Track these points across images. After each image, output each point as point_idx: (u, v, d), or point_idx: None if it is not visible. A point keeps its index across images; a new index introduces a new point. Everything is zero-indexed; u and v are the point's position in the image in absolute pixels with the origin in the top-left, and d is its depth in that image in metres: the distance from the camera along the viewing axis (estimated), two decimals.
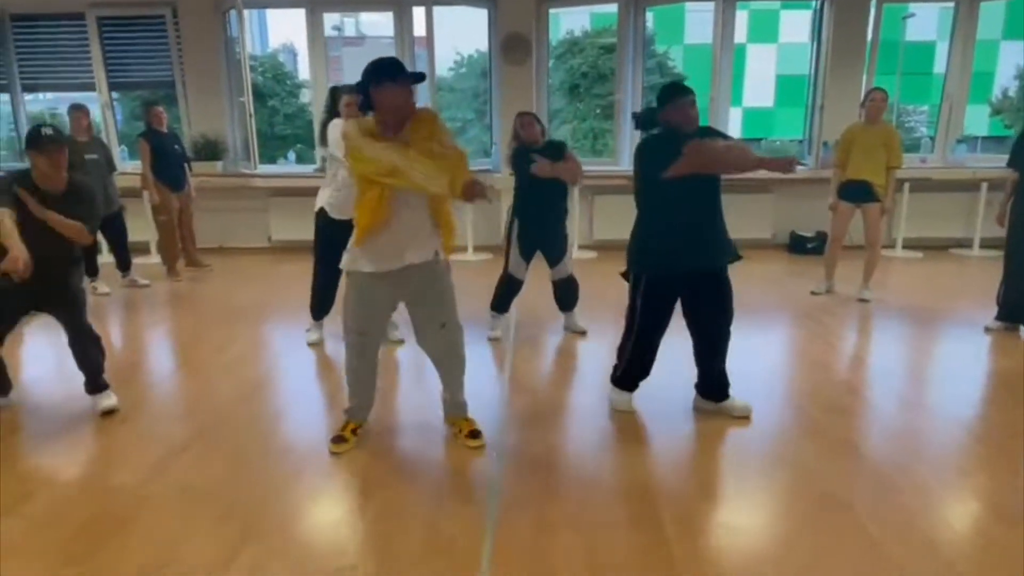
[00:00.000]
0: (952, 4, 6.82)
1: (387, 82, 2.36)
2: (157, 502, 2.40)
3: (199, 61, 6.86)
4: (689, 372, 3.11)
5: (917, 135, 19.79)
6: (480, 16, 7.04)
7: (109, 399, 3.14)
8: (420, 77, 2.46)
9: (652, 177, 2.75)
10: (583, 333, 4.22)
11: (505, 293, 4.12)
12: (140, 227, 6.25)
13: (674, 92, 2.76)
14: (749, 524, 2.27)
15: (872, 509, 2.29)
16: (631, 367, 3.04)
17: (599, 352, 3.83)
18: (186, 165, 5.92)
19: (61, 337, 3.11)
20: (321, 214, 3.74)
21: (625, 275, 2.98)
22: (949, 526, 2.24)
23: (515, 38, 6.64)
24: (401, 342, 4.07)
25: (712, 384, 3.04)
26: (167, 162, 5.62)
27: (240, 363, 3.89)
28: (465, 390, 2.88)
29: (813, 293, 5.07)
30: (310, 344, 4.07)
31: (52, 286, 2.96)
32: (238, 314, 4.84)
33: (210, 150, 6.85)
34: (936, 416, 3.07)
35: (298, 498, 2.45)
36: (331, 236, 3.47)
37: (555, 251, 4.05)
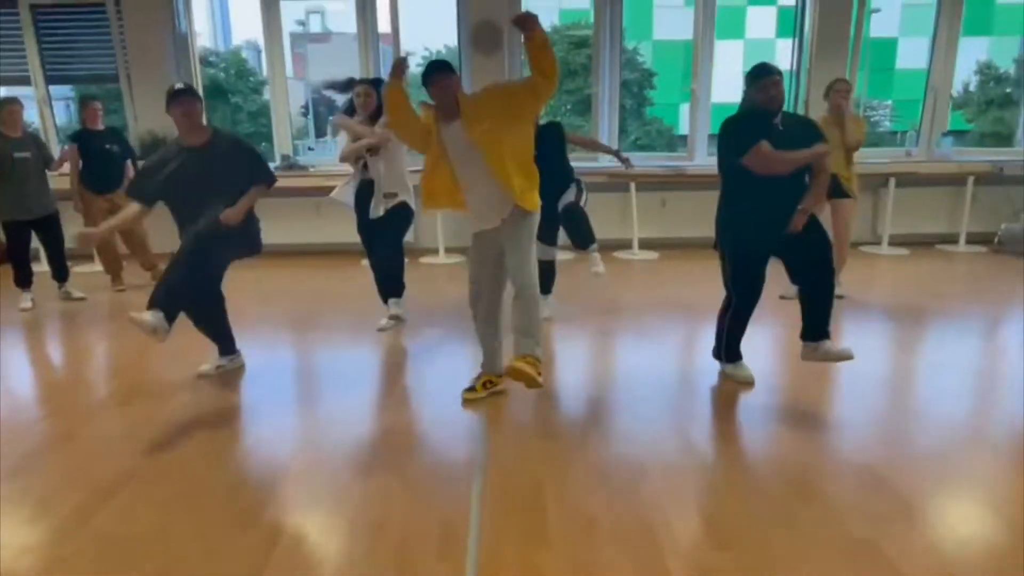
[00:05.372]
0: None
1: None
2: (72, 562, 2.01)
3: (145, 53, 6.35)
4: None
5: (881, 129, 20.19)
6: (449, 8, 6.67)
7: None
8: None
9: (732, 161, 2.95)
10: (599, 275, 4.08)
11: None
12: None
13: (758, 72, 2.90)
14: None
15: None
16: (732, 337, 3.27)
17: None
18: (129, 164, 5.42)
19: None
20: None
21: (716, 246, 3.22)
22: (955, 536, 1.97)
23: (485, 26, 6.27)
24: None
25: (818, 321, 3.11)
26: (95, 164, 5.14)
27: (181, 388, 3.48)
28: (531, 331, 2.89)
29: (782, 297, 4.64)
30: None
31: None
32: (179, 332, 4.40)
33: (159, 148, 6.34)
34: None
35: (247, 548, 2.08)
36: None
37: (561, 185, 4.02)
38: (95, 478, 2.50)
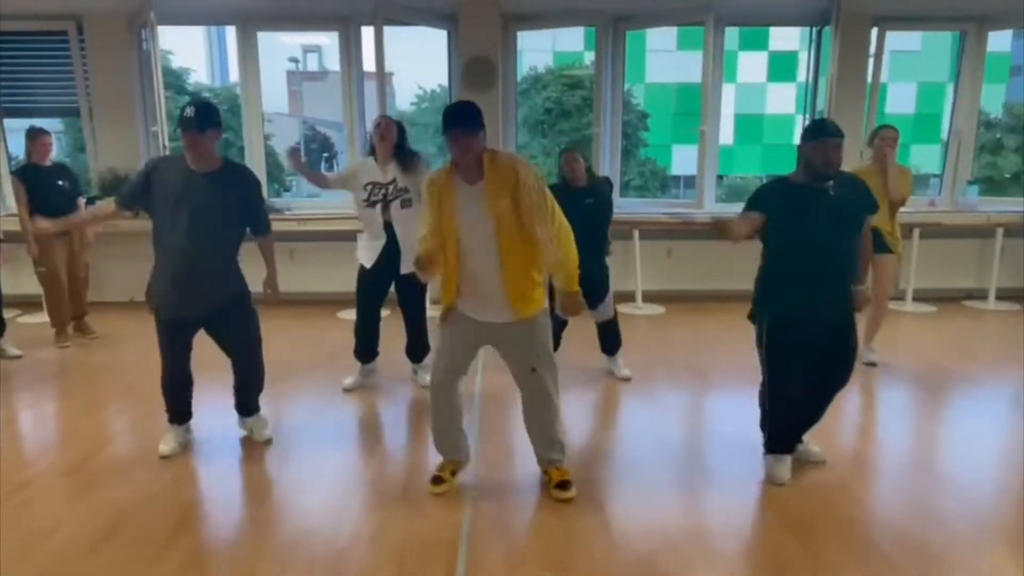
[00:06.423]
0: (917, 46, 6.35)
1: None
2: None
3: (108, 84, 5.87)
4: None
5: None
6: (440, 45, 6.28)
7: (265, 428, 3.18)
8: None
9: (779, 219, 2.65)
10: (627, 379, 4.01)
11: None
12: (28, 278, 5.07)
13: (819, 130, 2.62)
14: None
15: None
16: (776, 423, 2.80)
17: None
18: (81, 202, 4.91)
19: None
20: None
21: (751, 317, 2.84)
22: None
23: (479, 62, 5.85)
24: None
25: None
26: (46, 202, 4.60)
27: (125, 469, 2.90)
28: (556, 437, 2.72)
29: None
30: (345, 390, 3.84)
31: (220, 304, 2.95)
32: (129, 397, 3.83)
33: (119, 187, 5.83)
34: None
35: None
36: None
37: (593, 290, 3.65)
38: None
